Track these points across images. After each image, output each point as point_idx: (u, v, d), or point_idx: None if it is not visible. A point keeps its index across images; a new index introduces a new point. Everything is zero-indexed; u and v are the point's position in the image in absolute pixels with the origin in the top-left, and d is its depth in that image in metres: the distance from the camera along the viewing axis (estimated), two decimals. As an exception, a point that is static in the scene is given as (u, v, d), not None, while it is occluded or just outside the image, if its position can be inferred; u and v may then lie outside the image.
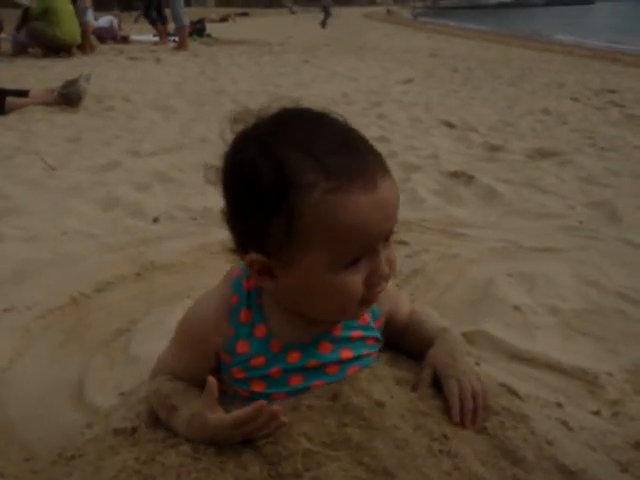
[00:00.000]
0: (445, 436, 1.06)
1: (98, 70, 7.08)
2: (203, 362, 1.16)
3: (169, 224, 2.81)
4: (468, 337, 1.85)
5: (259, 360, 1.12)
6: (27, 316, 1.97)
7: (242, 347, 1.12)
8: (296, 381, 1.12)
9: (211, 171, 1.07)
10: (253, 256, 1.03)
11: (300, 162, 0.97)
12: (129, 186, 3.36)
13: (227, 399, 1.13)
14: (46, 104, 5.43)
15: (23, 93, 5.49)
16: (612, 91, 7.19)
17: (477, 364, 1.25)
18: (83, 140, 4.43)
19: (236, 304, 1.14)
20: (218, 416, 1.04)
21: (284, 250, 1.00)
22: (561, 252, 2.42)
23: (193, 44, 11.64)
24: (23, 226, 2.74)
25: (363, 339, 1.18)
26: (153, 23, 12.16)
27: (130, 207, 3.03)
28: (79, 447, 1.20)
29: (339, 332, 1.15)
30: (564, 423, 1.34)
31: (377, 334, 1.22)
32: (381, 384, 1.12)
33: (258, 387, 1.12)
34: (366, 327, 1.19)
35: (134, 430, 1.12)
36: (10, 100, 5.30)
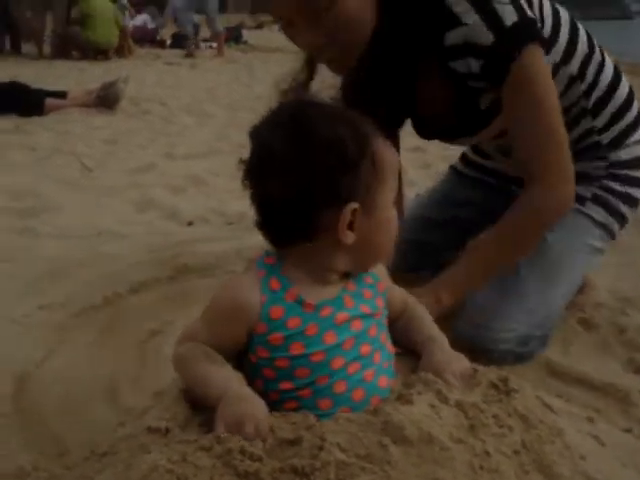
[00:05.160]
0: (487, 452, 1.05)
1: (135, 73, 7.14)
2: (233, 335, 1.20)
3: (203, 228, 2.83)
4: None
5: (295, 321, 1.17)
6: (61, 313, 2.00)
7: (276, 312, 1.16)
8: (330, 338, 1.17)
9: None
10: (351, 206, 1.14)
11: (361, 125, 1.16)
12: (164, 189, 3.40)
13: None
14: (84, 105, 5.49)
15: (62, 94, 5.56)
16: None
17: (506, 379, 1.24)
18: (119, 142, 4.47)
19: (264, 276, 1.19)
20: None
21: (371, 191, 1.16)
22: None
23: (228, 51, 11.69)
24: (59, 225, 2.79)
25: (374, 298, 1.26)
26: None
27: (165, 209, 3.06)
28: (112, 444, 1.19)
29: (354, 288, 1.24)
30: (596, 438, 1.33)
31: (382, 297, 1.29)
32: (422, 401, 1.11)
33: (297, 349, 1.16)
34: (372, 286, 1.27)
35: (167, 430, 1.12)
36: (49, 101, 5.37)
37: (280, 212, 1.16)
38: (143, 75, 7.93)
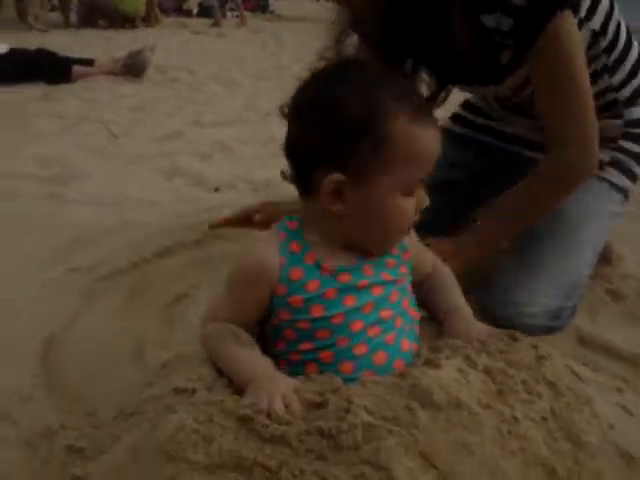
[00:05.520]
0: (515, 418, 1.04)
1: (162, 42, 7.10)
2: (257, 299, 1.21)
3: (230, 194, 2.82)
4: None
5: (314, 284, 1.18)
6: (89, 277, 2.02)
7: (296, 274, 1.18)
8: (351, 301, 1.18)
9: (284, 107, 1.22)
10: (334, 176, 1.12)
11: (387, 98, 1.12)
12: (191, 156, 3.39)
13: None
14: (111, 73, 5.48)
15: (89, 62, 5.55)
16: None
17: (535, 346, 1.23)
18: (147, 110, 4.47)
19: (285, 239, 1.21)
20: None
21: (366, 169, 1.12)
22: (623, 238, 2.36)
23: (255, 20, 11.59)
24: (87, 191, 2.80)
25: (397, 267, 1.25)
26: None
27: (192, 176, 3.06)
28: (139, 405, 1.21)
29: (376, 257, 1.23)
30: (624, 407, 1.32)
31: (407, 265, 1.28)
32: (450, 365, 1.11)
33: (317, 312, 1.17)
34: (397, 256, 1.26)
35: (194, 391, 1.13)
36: (76, 69, 5.36)
37: (292, 160, 1.20)
38: (170, 44, 7.89)
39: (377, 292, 1.20)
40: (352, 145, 1.11)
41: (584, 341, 1.74)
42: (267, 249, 1.20)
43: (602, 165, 1.85)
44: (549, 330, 1.74)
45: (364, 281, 1.19)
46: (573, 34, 1.56)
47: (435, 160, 1.16)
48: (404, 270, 1.28)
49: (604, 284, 2.04)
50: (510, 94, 1.84)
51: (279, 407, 1.03)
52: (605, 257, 2.11)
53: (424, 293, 1.39)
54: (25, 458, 1.26)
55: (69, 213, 2.54)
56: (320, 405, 1.05)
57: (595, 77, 1.78)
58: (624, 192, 1.89)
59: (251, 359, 1.17)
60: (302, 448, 0.97)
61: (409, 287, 1.30)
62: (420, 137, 1.13)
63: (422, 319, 1.34)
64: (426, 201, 1.19)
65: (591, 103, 1.63)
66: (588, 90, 1.61)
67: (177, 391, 1.14)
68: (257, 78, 5.90)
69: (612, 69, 1.81)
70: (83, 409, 1.40)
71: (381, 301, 1.21)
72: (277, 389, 1.06)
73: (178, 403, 1.11)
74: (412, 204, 1.17)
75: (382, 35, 1.66)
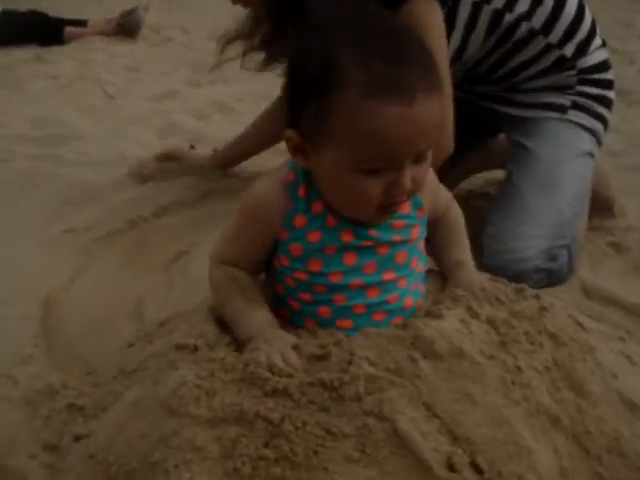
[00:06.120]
0: (519, 368, 1.04)
1: (155, 1, 7.00)
2: (259, 238, 1.19)
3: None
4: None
5: (315, 235, 1.14)
6: (86, 237, 2.01)
7: (300, 221, 1.15)
8: (350, 260, 1.14)
9: None
10: (290, 132, 1.09)
11: (348, 60, 1.01)
12: (188, 115, 3.35)
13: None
14: (104, 34, 5.41)
15: (81, 23, 5.47)
16: (685, 32, 6.89)
17: (537, 297, 1.22)
18: (142, 70, 4.41)
19: (294, 181, 1.16)
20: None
21: (313, 137, 1.07)
22: (625, 190, 2.35)
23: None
24: (83, 151, 2.77)
25: (408, 227, 1.19)
26: None
27: (189, 135, 3.02)
28: (140, 362, 1.20)
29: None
30: (627, 357, 1.32)
31: (420, 223, 1.22)
32: (452, 316, 1.10)
33: (315, 266, 1.15)
34: (408, 216, 1.19)
35: (196, 348, 1.12)
36: (69, 30, 5.29)
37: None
38: (163, 2, 7.78)
39: (382, 252, 1.16)
40: (301, 106, 1.07)
41: (588, 293, 1.75)
42: (270, 187, 1.17)
43: (565, 109, 1.95)
44: (550, 273, 1.76)
45: (368, 241, 1.15)
46: (428, 23, 1.64)
47: (406, 142, 1.02)
48: (417, 229, 1.21)
49: (607, 236, 2.04)
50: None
51: (279, 363, 1.03)
52: (608, 210, 2.13)
53: (433, 245, 1.34)
54: (27, 417, 1.26)
55: (65, 173, 2.51)
56: (322, 357, 1.05)
57: (526, 41, 1.90)
58: (592, 132, 1.96)
59: (254, 315, 1.16)
60: (304, 400, 0.97)
61: (420, 245, 1.25)
62: (373, 114, 1.00)
63: (430, 271, 1.31)
64: (403, 186, 1.05)
65: (449, 91, 1.67)
66: (445, 76, 1.63)
67: (178, 347, 1.14)
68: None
69: (544, 30, 1.90)
70: (83, 368, 1.41)
71: (385, 262, 1.16)
72: (275, 348, 1.06)
73: (180, 360, 1.10)
74: (378, 185, 1.05)
75: None
